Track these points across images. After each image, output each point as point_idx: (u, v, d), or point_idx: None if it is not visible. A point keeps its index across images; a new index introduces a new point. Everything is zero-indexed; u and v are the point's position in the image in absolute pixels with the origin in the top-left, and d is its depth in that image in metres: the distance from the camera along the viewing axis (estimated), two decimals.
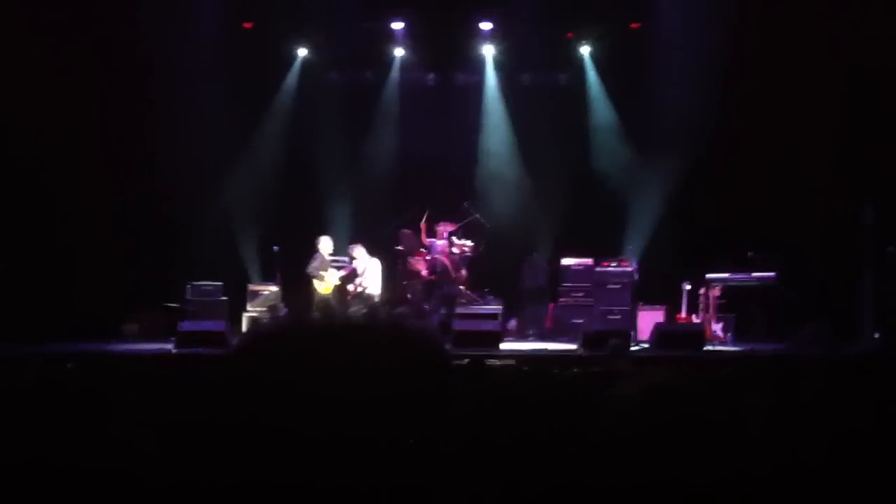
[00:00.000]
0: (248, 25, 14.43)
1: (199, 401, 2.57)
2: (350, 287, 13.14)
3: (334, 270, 13.21)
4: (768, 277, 12.88)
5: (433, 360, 2.10)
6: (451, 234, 13.69)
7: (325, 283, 13.07)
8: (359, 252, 13.22)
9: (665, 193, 14.12)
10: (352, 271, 13.25)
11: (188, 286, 13.37)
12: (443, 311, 13.11)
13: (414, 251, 13.80)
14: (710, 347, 11.63)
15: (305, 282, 13.30)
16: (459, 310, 13.19)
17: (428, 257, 13.64)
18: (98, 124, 13.54)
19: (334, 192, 14.70)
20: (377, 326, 2.17)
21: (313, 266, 13.13)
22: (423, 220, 13.64)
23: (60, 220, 13.48)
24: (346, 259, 13.58)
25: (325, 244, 13.36)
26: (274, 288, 13.59)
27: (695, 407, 2.36)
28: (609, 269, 13.59)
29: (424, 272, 13.67)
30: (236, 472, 1.91)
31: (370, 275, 13.11)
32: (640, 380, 2.49)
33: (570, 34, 14.86)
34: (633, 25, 14.56)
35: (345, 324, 2.25)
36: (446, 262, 13.44)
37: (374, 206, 14.42)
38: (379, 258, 13.40)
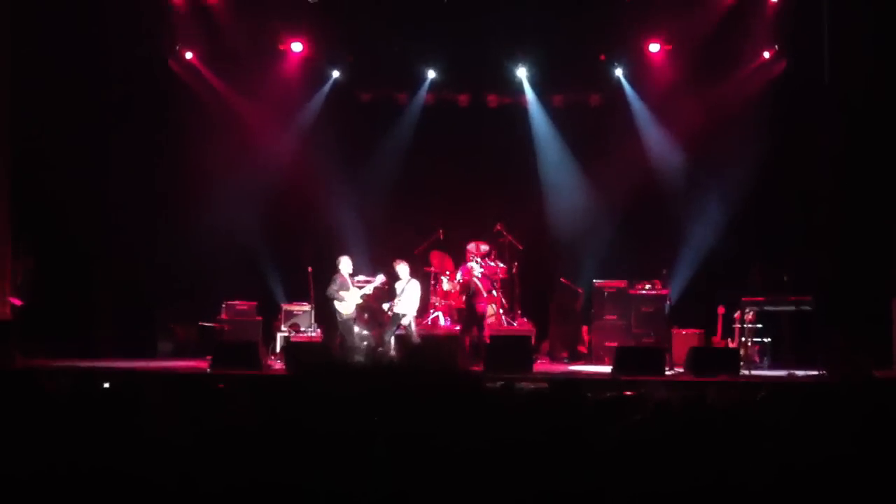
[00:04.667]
0: (283, 47, 14.56)
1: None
2: (385, 306, 13.02)
3: (356, 290, 13.01)
4: (803, 302, 12.69)
5: (460, 387, 2.11)
6: (483, 255, 13.65)
7: (347, 303, 12.86)
8: (402, 270, 12.96)
9: (702, 216, 14.01)
10: (382, 284, 13.09)
11: (223, 305, 13.50)
12: (474, 333, 13.00)
13: (445, 272, 13.81)
14: (745, 372, 11.51)
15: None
16: (491, 332, 13.13)
17: (459, 279, 13.63)
18: (140, 150, 13.84)
19: (358, 211, 14.63)
20: (407, 361, 2.19)
21: (332, 289, 12.89)
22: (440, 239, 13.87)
23: (99, 241, 13.71)
24: (368, 279, 13.37)
25: (345, 264, 13.12)
26: (307, 307, 13.64)
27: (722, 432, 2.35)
28: (643, 291, 13.48)
29: (456, 294, 13.66)
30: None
31: (408, 296, 12.88)
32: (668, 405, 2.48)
33: (602, 56, 14.79)
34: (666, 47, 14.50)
35: (368, 363, 2.28)
36: (478, 283, 13.33)
37: (403, 227, 14.45)
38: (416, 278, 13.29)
